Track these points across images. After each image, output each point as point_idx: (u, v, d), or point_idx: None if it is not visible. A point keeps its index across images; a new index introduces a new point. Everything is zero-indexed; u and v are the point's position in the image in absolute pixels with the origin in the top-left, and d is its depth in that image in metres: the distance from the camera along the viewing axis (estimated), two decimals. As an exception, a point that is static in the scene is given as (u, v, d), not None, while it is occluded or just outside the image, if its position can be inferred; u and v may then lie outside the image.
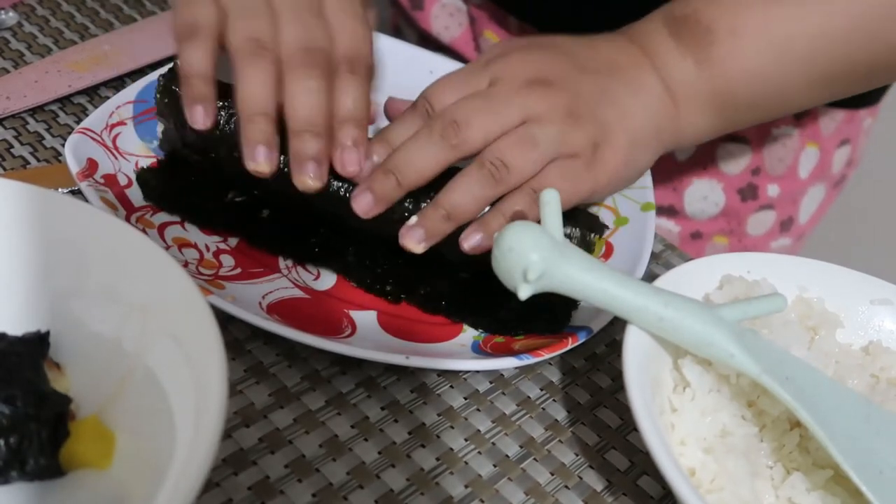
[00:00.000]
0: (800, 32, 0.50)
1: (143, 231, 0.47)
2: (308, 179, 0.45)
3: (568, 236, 0.48)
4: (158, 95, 0.50)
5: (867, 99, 0.74)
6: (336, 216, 0.48)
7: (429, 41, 0.79)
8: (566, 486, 0.43)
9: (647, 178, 0.56)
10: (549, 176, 0.47)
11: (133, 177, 0.51)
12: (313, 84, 0.45)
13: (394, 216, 0.47)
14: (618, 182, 0.50)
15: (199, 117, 0.45)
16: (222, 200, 0.50)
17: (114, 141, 0.52)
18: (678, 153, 0.72)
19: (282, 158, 0.46)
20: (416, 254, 0.46)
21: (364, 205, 0.45)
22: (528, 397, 0.47)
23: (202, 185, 0.50)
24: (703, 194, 0.73)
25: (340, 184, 0.47)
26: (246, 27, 0.45)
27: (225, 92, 0.47)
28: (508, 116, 0.46)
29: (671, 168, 0.72)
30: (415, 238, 0.45)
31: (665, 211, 0.75)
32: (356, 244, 0.49)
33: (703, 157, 0.72)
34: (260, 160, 0.44)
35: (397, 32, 0.84)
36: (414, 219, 0.46)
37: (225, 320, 0.42)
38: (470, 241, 0.46)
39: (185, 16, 0.46)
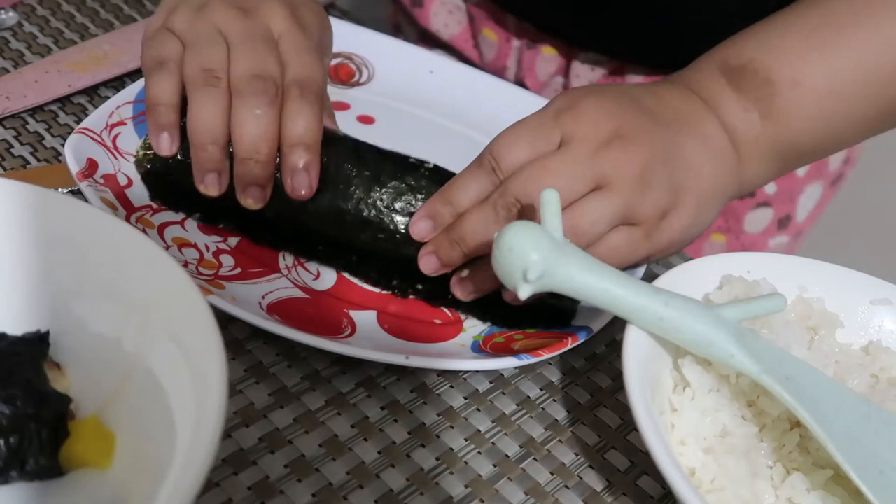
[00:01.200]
0: (855, 75, 0.50)
1: (143, 231, 0.47)
2: (250, 201, 0.48)
3: None
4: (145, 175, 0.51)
5: None
6: (329, 236, 0.49)
7: (428, 39, 0.79)
8: (566, 486, 0.43)
9: None
10: (603, 244, 0.46)
11: (133, 177, 0.51)
12: (260, 111, 0.46)
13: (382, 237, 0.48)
14: (679, 244, 0.48)
15: (165, 144, 0.48)
16: (226, 198, 0.50)
17: (114, 141, 0.52)
18: None
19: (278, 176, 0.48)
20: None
21: (431, 266, 0.47)
22: (528, 397, 0.47)
23: None
24: None
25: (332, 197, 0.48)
26: (199, 59, 0.47)
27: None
28: (579, 187, 0.45)
29: None
30: (463, 295, 0.47)
31: None
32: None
33: None
34: (209, 184, 0.47)
35: (397, 30, 0.84)
36: (466, 272, 0.47)
37: (225, 320, 0.42)
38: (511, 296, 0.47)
39: (152, 51, 0.48)
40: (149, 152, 0.50)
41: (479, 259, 0.46)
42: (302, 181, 0.47)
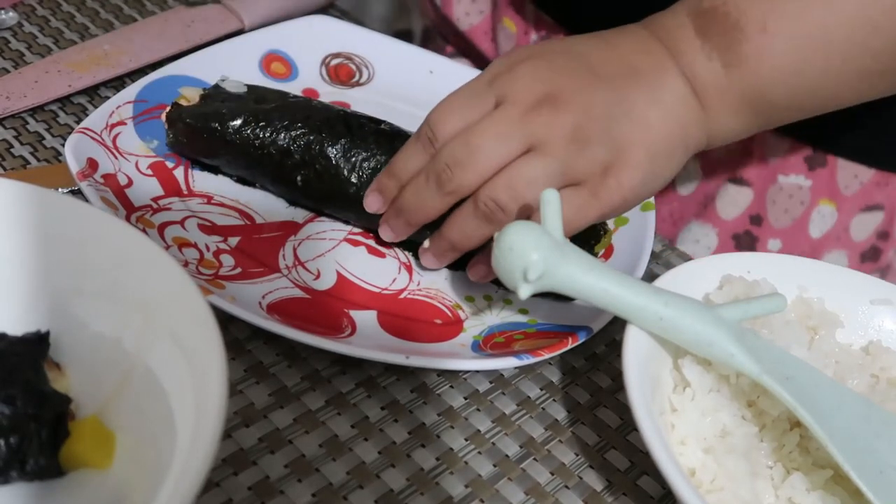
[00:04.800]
0: (835, 23, 0.47)
1: (143, 231, 0.47)
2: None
3: None
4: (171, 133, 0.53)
5: None
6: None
7: (446, 25, 0.77)
8: (566, 486, 0.43)
9: None
10: None
11: (133, 177, 0.51)
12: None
13: None
14: (635, 198, 0.47)
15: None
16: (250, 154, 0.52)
17: (114, 141, 0.52)
18: (680, 187, 0.69)
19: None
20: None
21: (387, 235, 0.51)
22: (528, 397, 0.47)
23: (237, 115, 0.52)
24: (696, 237, 0.69)
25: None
26: None
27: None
28: (508, 148, 0.45)
29: (671, 199, 0.70)
30: (429, 262, 0.50)
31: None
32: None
33: (704, 197, 0.69)
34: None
35: (423, 14, 0.82)
36: (427, 242, 0.50)
37: (225, 320, 0.42)
38: (476, 273, 0.49)
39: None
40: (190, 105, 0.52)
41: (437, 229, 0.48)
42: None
